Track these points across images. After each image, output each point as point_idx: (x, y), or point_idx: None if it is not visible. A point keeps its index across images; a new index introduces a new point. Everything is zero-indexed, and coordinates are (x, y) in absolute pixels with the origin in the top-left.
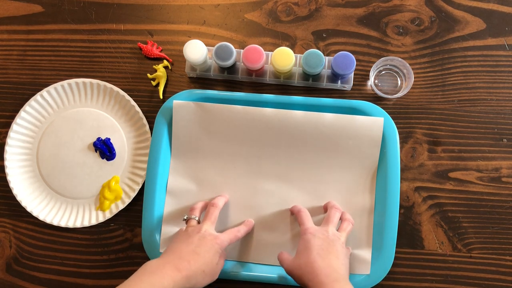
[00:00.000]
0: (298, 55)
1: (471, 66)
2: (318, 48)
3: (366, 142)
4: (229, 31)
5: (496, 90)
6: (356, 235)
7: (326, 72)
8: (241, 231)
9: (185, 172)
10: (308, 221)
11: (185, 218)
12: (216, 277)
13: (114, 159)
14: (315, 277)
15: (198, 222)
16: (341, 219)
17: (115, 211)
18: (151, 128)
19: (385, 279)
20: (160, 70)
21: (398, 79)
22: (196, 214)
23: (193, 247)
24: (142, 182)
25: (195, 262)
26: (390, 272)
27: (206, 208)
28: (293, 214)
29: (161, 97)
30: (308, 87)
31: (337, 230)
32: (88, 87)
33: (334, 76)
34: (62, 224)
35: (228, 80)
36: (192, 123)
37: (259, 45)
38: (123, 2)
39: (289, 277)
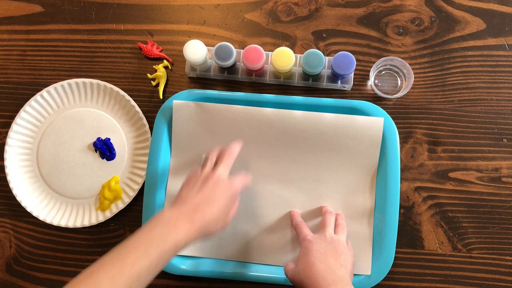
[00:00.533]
0: (298, 55)
1: (471, 66)
2: (318, 48)
3: (366, 142)
4: (229, 31)
5: (496, 90)
6: (356, 235)
7: (326, 72)
8: (248, 175)
9: (185, 172)
10: (306, 229)
11: (202, 160)
12: (227, 225)
13: (114, 159)
14: (313, 280)
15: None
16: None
17: (115, 211)
18: (151, 128)
19: (385, 279)
20: (160, 70)
21: (398, 79)
22: (212, 158)
23: (207, 195)
24: (142, 182)
25: (209, 212)
26: (390, 272)
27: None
28: (293, 224)
29: (161, 97)
30: (308, 87)
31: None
32: (88, 87)
33: (334, 76)
34: (62, 224)
35: (228, 80)
36: (192, 123)
37: (259, 45)
38: (123, 2)
39: None
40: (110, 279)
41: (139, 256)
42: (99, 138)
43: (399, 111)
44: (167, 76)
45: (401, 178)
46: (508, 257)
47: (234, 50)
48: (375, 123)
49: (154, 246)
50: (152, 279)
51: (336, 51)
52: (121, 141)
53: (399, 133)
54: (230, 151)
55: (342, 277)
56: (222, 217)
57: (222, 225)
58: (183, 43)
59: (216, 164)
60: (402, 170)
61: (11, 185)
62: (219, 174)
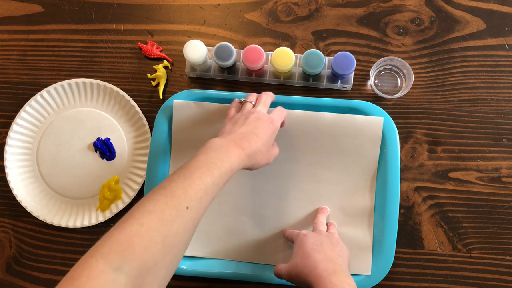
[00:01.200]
0: (298, 55)
1: (471, 66)
2: (318, 48)
3: (366, 142)
4: (229, 31)
5: (496, 90)
6: (356, 235)
7: (326, 72)
8: (284, 109)
9: None
10: (297, 231)
11: (241, 100)
12: (271, 160)
13: (114, 159)
14: (312, 270)
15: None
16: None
17: (115, 211)
18: (151, 128)
19: (385, 279)
20: (160, 70)
21: (398, 79)
22: (252, 100)
23: (251, 128)
24: (142, 182)
25: (255, 142)
26: (390, 272)
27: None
28: (286, 236)
29: (161, 97)
30: (308, 87)
31: (326, 231)
32: (88, 87)
33: (334, 76)
34: (62, 224)
35: (228, 80)
36: (192, 123)
37: (259, 45)
38: (123, 2)
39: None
40: (183, 189)
41: (203, 173)
42: (99, 138)
43: (399, 111)
44: (167, 76)
45: (401, 178)
46: (508, 257)
47: (234, 50)
48: (375, 123)
49: (214, 166)
50: (215, 196)
51: (336, 51)
52: (121, 141)
53: (399, 133)
54: (267, 93)
55: (342, 267)
56: (266, 150)
57: (266, 158)
58: (183, 43)
59: (255, 104)
60: (402, 170)
61: (11, 185)
62: (259, 110)
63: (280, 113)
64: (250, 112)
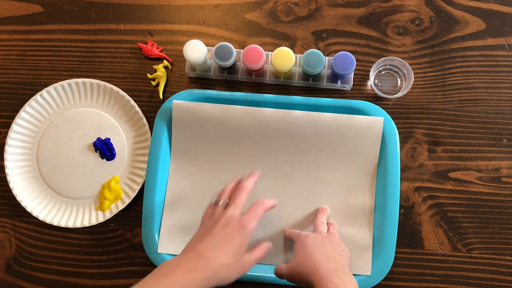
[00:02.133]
0: (298, 55)
1: (471, 66)
2: (318, 48)
3: (366, 141)
4: (229, 31)
5: (496, 90)
6: (356, 235)
7: (326, 72)
8: (268, 202)
9: (185, 172)
10: (299, 231)
11: (214, 201)
12: (247, 269)
13: (114, 159)
14: (314, 269)
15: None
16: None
17: (115, 211)
18: (151, 128)
19: (385, 279)
20: (160, 70)
21: (398, 79)
22: (224, 198)
23: (215, 241)
24: (142, 182)
25: (216, 259)
26: (390, 272)
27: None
28: (286, 236)
29: (161, 97)
30: (308, 87)
31: (327, 231)
32: (88, 87)
33: (334, 76)
34: (62, 224)
35: (228, 80)
36: (191, 124)
37: (259, 45)
38: (123, 2)
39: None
40: None
41: None
42: (99, 138)
43: (399, 111)
44: (167, 76)
45: (401, 178)
46: (508, 257)
47: (234, 50)
48: (375, 122)
49: None
50: None
51: (336, 51)
52: (121, 141)
53: (399, 133)
54: (242, 188)
55: (343, 266)
56: (235, 261)
57: (239, 269)
58: (183, 43)
59: (228, 203)
60: (402, 170)
61: (11, 185)
62: (229, 215)
63: (256, 210)
64: (218, 218)
